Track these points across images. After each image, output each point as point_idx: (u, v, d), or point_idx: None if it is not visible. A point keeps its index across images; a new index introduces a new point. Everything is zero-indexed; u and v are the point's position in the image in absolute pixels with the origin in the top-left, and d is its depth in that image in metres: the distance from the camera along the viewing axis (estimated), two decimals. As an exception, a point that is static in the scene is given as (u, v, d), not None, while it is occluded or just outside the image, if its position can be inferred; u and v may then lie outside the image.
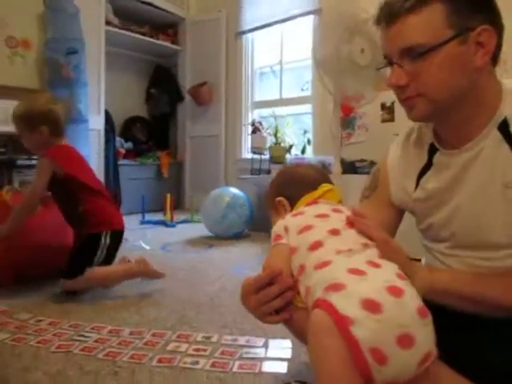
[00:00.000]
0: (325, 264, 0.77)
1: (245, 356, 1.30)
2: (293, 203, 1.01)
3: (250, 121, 4.47)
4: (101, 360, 1.27)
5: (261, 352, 1.33)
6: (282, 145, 4.10)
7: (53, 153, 1.88)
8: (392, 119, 3.62)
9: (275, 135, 4.13)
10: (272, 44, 4.35)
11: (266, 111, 4.51)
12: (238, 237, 3.25)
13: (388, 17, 0.85)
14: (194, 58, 4.74)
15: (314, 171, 1.07)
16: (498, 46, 0.85)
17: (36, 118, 1.88)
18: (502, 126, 0.84)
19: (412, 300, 0.69)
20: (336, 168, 2.45)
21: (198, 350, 1.34)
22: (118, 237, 2.00)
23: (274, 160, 4.03)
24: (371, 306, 0.65)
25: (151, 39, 4.61)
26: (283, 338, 1.39)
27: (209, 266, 2.45)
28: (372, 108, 3.61)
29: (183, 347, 1.35)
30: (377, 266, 0.75)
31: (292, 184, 1.04)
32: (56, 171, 1.86)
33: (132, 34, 4.41)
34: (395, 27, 0.84)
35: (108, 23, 4.07)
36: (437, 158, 0.95)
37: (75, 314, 1.65)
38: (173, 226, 3.74)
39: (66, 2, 3.58)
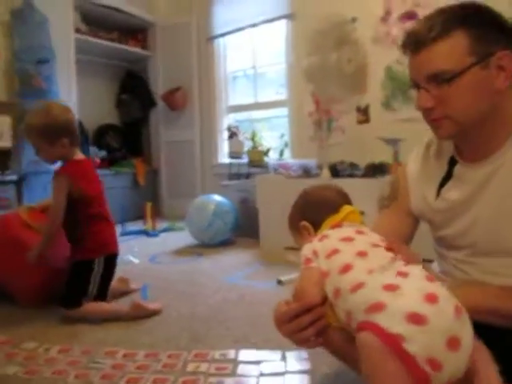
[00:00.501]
0: (359, 286, 0.78)
1: (266, 372, 1.32)
2: (316, 227, 1.03)
3: (225, 125, 4.47)
4: (125, 387, 1.26)
5: (280, 366, 1.36)
6: (260, 148, 4.12)
7: (71, 170, 1.84)
8: (367, 120, 3.72)
9: (252, 139, 4.15)
10: (245, 48, 4.36)
11: (241, 115, 4.52)
12: (224, 244, 3.26)
13: (414, 45, 0.91)
14: (166, 62, 4.68)
15: (334, 193, 1.09)
16: None
17: (57, 130, 1.80)
18: None
19: (447, 302, 0.72)
20: (325, 173, 2.50)
21: (219, 368, 1.35)
22: (111, 261, 1.95)
23: (252, 164, 4.06)
24: (416, 319, 0.68)
25: (121, 45, 4.53)
26: (298, 349, 1.43)
27: (203, 276, 2.45)
28: (348, 110, 3.71)
29: (203, 367, 1.36)
30: (405, 275, 0.78)
31: (315, 207, 1.06)
32: (71, 189, 1.81)
33: (101, 41, 4.30)
34: (422, 55, 0.89)
35: (77, 31, 3.96)
36: (457, 169, 1.00)
37: (82, 336, 1.63)
38: (155, 235, 3.70)
39: (33, 10, 3.46)
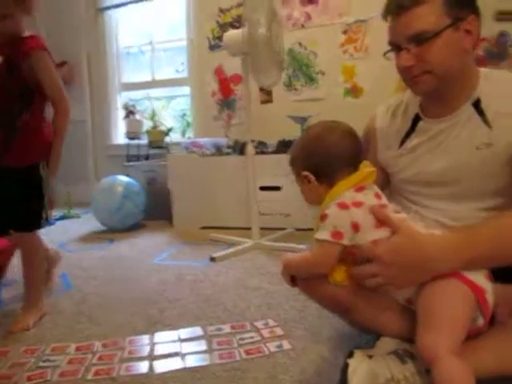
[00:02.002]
0: None
1: (244, 342, 1.29)
2: (324, 179, 0.98)
3: (119, 104, 4.19)
4: (96, 381, 1.13)
5: (255, 335, 1.33)
6: (160, 128, 3.96)
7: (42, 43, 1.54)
8: (270, 100, 3.80)
9: (152, 119, 3.96)
10: (141, 23, 4.11)
11: (138, 94, 4.27)
12: (134, 228, 3.07)
13: (396, 8, 1.01)
14: (50, 35, 4.18)
15: (351, 143, 1.00)
16: (479, 34, 1.03)
17: None
18: (476, 103, 1.04)
19: None
20: (249, 149, 2.49)
21: (193, 346, 1.28)
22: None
23: (153, 145, 3.88)
24: (490, 278, 0.89)
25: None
26: (263, 318, 1.43)
27: (125, 261, 2.29)
28: (250, 90, 3.75)
29: (175, 347, 1.28)
30: None
31: (327, 159, 0.98)
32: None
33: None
34: (403, 18, 1.00)
35: None
36: (419, 125, 1.14)
37: (17, 335, 1.40)
38: (51, 224, 3.32)
39: None
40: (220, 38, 3.73)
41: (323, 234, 0.92)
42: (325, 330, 1.32)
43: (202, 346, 1.28)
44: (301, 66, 3.56)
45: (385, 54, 1.08)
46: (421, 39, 0.98)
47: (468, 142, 1.04)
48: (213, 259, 2.20)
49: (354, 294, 0.98)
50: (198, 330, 1.39)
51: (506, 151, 1.00)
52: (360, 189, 0.96)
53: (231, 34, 2.35)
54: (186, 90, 3.97)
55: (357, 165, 0.98)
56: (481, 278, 0.87)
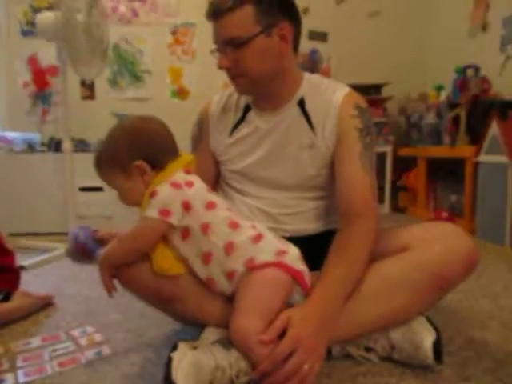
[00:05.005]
0: (260, 237, 0.94)
1: (56, 354, 1.14)
2: (155, 167, 0.95)
3: None
4: None
5: (71, 345, 1.19)
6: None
7: None
8: (92, 96, 3.57)
9: None
10: None
11: None
12: None
13: (213, 13, 1.05)
14: None
15: (170, 131, 1.02)
16: (297, 38, 1.13)
17: None
18: (300, 103, 1.14)
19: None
20: (66, 146, 2.26)
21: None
22: None
23: None
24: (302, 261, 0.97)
25: None
26: (81, 325, 1.30)
27: None
28: (70, 84, 3.45)
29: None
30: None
31: (154, 146, 0.96)
32: None
33: None
34: (219, 23, 1.05)
35: None
36: (249, 115, 1.19)
37: None
38: None
39: None
40: (34, 25, 3.36)
41: (150, 212, 0.90)
42: (149, 331, 1.26)
43: (0, 366, 1.09)
44: (126, 64, 3.43)
45: (211, 52, 1.11)
46: (235, 44, 1.03)
47: (293, 139, 1.12)
48: (22, 268, 1.93)
49: (177, 283, 0.96)
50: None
51: (327, 153, 1.10)
52: (188, 172, 0.98)
53: (45, 16, 2.11)
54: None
55: (177, 153, 1.00)
56: (299, 262, 0.95)
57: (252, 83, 1.09)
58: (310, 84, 1.15)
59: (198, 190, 0.95)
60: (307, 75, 1.18)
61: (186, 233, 0.93)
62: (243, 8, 1.01)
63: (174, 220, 0.90)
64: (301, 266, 0.94)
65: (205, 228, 0.92)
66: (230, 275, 0.93)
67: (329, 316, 0.90)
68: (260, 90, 1.12)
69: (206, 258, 0.94)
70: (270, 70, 1.08)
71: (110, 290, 0.98)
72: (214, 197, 0.99)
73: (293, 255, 0.94)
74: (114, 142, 0.97)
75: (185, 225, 0.92)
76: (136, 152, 0.94)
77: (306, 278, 0.94)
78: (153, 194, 0.90)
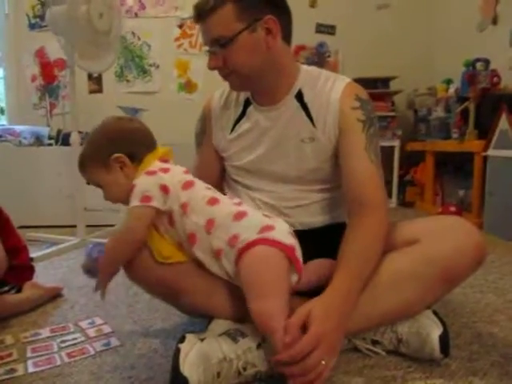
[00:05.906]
0: (243, 214, 0.93)
1: (65, 345, 1.15)
2: (134, 160, 1.01)
3: None
4: None
5: (79, 336, 1.20)
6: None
7: None
8: (100, 90, 3.58)
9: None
10: None
11: None
12: None
13: (197, 16, 1.06)
14: None
15: (146, 127, 1.08)
16: (287, 30, 1.10)
17: None
18: (298, 96, 1.12)
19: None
20: (75, 139, 2.27)
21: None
22: None
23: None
24: (293, 236, 0.95)
25: None
26: (89, 317, 1.31)
27: None
28: (77, 78, 3.46)
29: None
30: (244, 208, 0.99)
31: (133, 140, 1.03)
32: None
33: None
34: (204, 24, 1.06)
35: None
36: (249, 110, 1.18)
37: None
38: None
39: None
40: (42, 18, 3.37)
41: (133, 202, 0.94)
42: (157, 323, 1.27)
43: (10, 356, 1.10)
44: (133, 57, 3.43)
45: (205, 53, 1.11)
46: (220, 44, 1.04)
47: (294, 133, 1.11)
48: (31, 259, 1.94)
49: (183, 275, 0.97)
50: (7, 339, 1.19)
51: (328, 145, 1.09)
52: (165, 161, 1.02)
53: (55, 9, 2.11)
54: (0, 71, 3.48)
55: (154, 147, 1.05)
56: (288, 237, 0.93)
57: (244, 80, 1.09)
58: (308, 76, 1.13)
59: (175, 173, 0.98)
60: (304, 67, 1.16)
61: (171, 217, 0.96)
62: (224, 7, 1.01)
63: (156, 203, 0.93)
64: (291, 239, 0.92)
65: (184, 207, 0.95)
66: (216, 254, 0.94)
67: (347, 311, 0.89)
68: (254, 85, 1.12)
69: (192, 239, 0.95)
70: (260, 65, 1.06)
71: (103, 292, 1.00)
72: (192, 178, 1.01)
73: (280, 229, 0.93)
74: (94, 141, 1.04)
75: (168, 209, 0.95)
76: (114, 147, 1.00)
77: (298, 253, 0.92)
78: (132, 188, 0.95)
